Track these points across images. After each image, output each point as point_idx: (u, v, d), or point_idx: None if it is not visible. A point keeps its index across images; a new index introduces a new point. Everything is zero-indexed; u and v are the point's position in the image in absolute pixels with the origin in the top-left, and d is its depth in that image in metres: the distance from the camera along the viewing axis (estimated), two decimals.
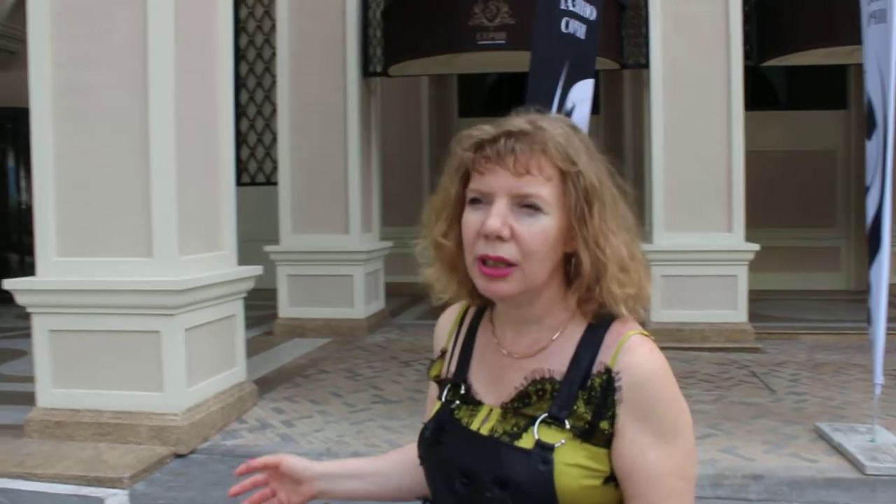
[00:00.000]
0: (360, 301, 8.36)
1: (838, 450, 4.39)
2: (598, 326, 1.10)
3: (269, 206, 8.67)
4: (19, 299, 4.71)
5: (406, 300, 10.50)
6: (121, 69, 4.64)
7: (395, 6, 7.81)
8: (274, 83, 8.67)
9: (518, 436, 1.07)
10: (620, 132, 11.22)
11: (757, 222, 8.30)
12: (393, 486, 1.34)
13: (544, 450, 1.04)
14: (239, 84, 12.51)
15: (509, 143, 1.05)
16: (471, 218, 1.08)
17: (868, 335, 4.67)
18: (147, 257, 4.63)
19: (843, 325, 8.19)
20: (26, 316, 4.81)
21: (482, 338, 1.21)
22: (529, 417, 1.08)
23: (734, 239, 7.35)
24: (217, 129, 5.22)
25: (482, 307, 1.24)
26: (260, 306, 8.23)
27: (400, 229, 11.22)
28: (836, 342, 7.63)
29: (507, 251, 1.05)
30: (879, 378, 4.45)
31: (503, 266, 1.06)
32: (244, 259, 5.64)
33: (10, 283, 4.71)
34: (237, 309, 5.41)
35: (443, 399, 1.20)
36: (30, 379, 4.84)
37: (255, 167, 12.62)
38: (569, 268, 1.11)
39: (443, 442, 1.15)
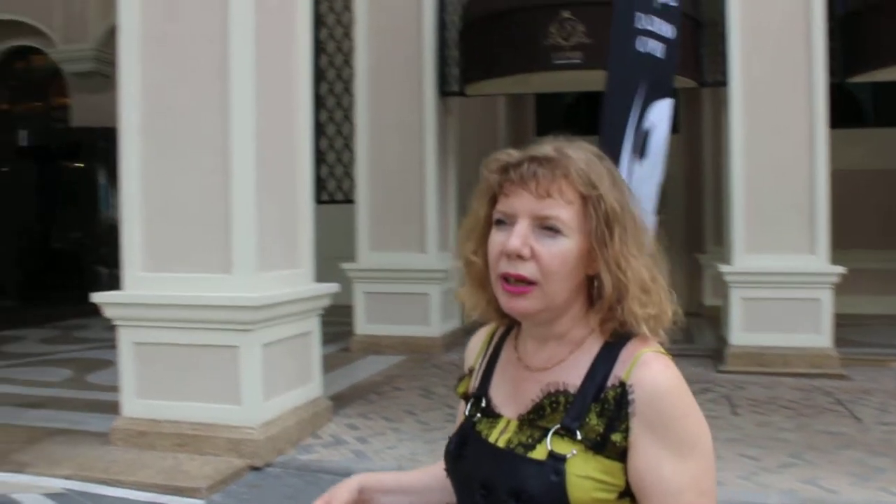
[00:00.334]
0: (436, 319, 8.40)
1: None
2: (616, 343, 1.13)
3: (348, 224, 8.80)
4: (106, 312, 4.91)
5: (474, 322, 10.49)
6: (203, 92, 4.81)
7: (471, 26, 7.87)
8: (353, 102, 8.82)
9: (532, 447, 1.10)
10: (700, 151, 11.04)
11: (842, 244, 8.02)
12: (431, 500, 1.38)
13: (556, 461, 1.07)
14: (319, 103, 12.78)
15: (532, 168, 1.11)
16: (496, 238, 1.14)
17: None
18: (226, 274, 4.76)
19: None
20: (113, 328, 5.00)
21: (505, 354, 1.25)
22: (543, 429, 1.11)
23: (817, 261, 7.12)
24: (296, 148, 5.35)
25: (510, 327, 1.27)
26: (337, 323, 8.36)
27: None
28: None
29: (527, 270, 1.09)
30: None
31: (524, 284, 1.10)
32: (322, 276, 5.75)
33: (98, 297, 4.91)
34: (314, 325, 5.50)
35: (467, 413, 1.25)
36: (116, 388, 5.02)
37: (333, 185, 12.85)
38: (592, 289, 1.14)
39: (465, 455, 1.19)
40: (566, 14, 6.78)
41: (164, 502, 4.02)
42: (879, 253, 10.48)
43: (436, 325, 8.38)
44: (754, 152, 7.16)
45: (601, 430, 1.07)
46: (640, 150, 4.92)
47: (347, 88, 11.81)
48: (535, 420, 1.13)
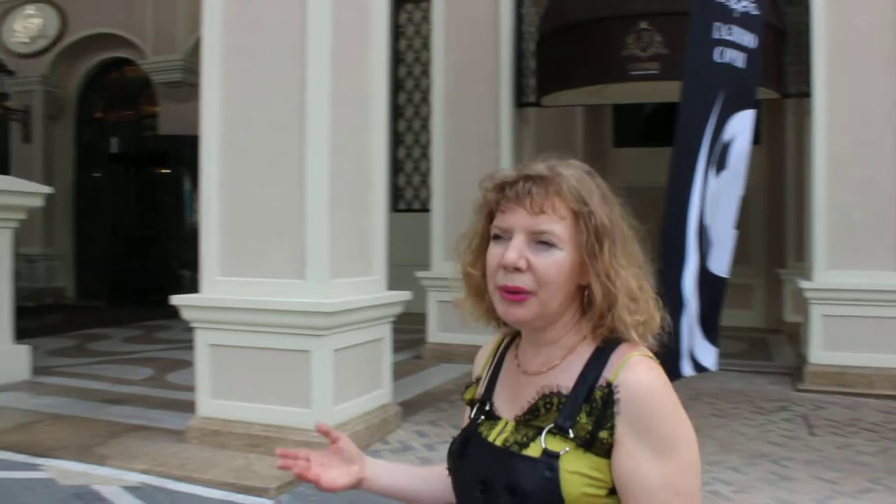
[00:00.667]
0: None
1: None
2: (606, 348, 1.21)
3: (425, 233, 8.86)
4: (184, 314, 5.07)
5: None
6: (280, 103, 4.94)
7: (548, 37, 7.86)
8: (431, 112, 8.91)
9: (526, 445, 1.18)
10: (782, 164, 10.74)
11: None
12: (429, 492, 1.45)
13: (550, 458, 1.14)
14: (397, 113, 12.96)
15: (527, 186, 1.19)
16: (493, 251, 1.22)
17: None
18: (300, 279, 4.86)
19: None
20: (192, 329, 5.16)
21: (507, 362, 1.34)
22: (538, 428, 1.19)
23: None
24: (370, 158, 5.43)
25: (513, 338, 1.35)
26: (410, 331, 8.43)
27: None
28: None
29: (523, 281, 1.18)
30: None
31: (521, 294, 1.18)
32: (398, 284, 5.82)
33: (176, 299, 5.07)
34: (385, 332, 5.57)
35: (471, 417, 1.33)
36: (192, 388, 5.17)
37: (411, 194, 12.98)
38: (584, 298, 1.22)
39: (467, 454, 1.28)
40: (644, 25, 6.71)
41: (235, 500, 4.13)
42: None
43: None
44: (838, 165, 6.94)
45: (590, 428, 1.14)
46: (719, 162, 4.83)
47: (425, 98, 11.92)
48: (530, 420, 1.21)
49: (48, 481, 4.40)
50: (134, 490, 4.26)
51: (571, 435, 1.15)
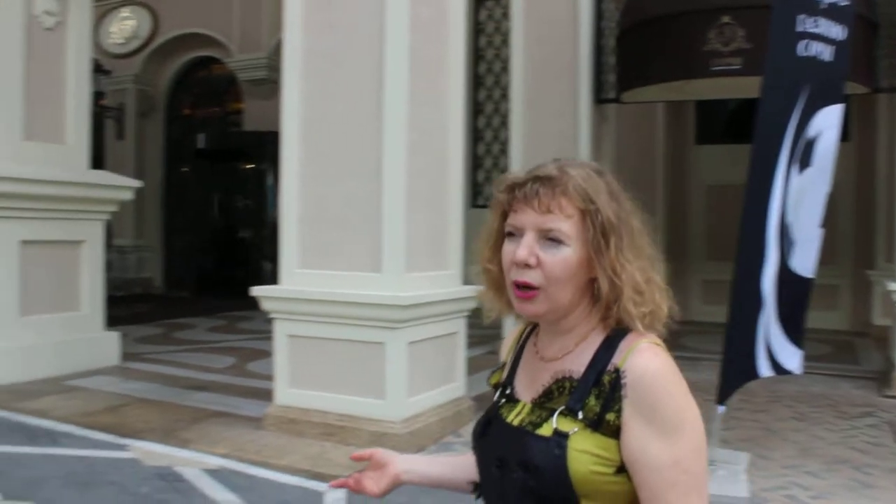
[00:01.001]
0: None
1: None
2: (616, 336, 1.28)
3: None
4: (264, 305, 5.21)
5: None
6: (358, 100, 5.02)
7: (628, 33, 7.76)
8: (510, 109, 8.90)
9: (539, 425, 1.26)
10: (872, 161, 10.35)
11: None
12: (463, 476, 1.53)
13: (560, 437, 1.22)
14: (477, 109, 12.98)
15: (535, 187, 1.26)
16: (507, 248, 1.30)
17: None
18: (376, 273, 4.94)
19: None
20: (272, 320, 5.30)
21: (528, 348, 1.42)
22: (551, 410, 1.27)
23: None
24: (447, 154, 5.48)
25: (534, 326, 1.44)
26: (486, 326, 8.43)
27: None
28: None
29: (533, 277, 1.26)
30: None
31: (531, 290, 1.26)
32: (475, 279, 5.82)
33: (256, 290, 5.22)
34: (460, 326, 5.61)
35: (495, 400, 1.42)
36: (271, 377, 5.32)
37: (490, 190, 12.99)
38: (595, 289, 1.28)
39: (488, 434, 1.36)
40: (726, 19, 6.56)
41: (308, 486, 4.23)
42: None
43: None
44: None
45: (598, 410, 1.22)
46: (803, 159, 4.70)
47: (505, 95, 11.91)
48: (544, 402, 1.29)
49: (134, 461, 4.60)
50: (213, 473, 4.41)
51: (580, 416, 1.22)
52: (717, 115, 11.77)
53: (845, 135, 7.24)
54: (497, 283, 1.37)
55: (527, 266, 1.25)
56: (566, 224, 1.24)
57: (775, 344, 4.56)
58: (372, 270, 4.95)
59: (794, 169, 4.63)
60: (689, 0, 6.92)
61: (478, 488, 1.45)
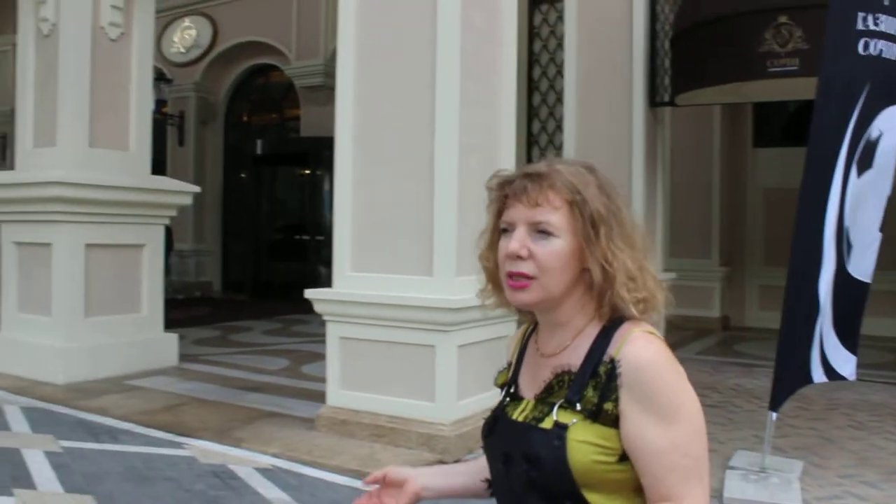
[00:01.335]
0: None
1: None
2: (610, 327, 1.31)
3: None
4: (317, 307, 5.29)
5: (689, 334, 10.23)
6: (410, 103, 5.07)
7: (683, 35, 7.68)
8: (564, 114, 8.88)
9: (542, 419, 1.30)
10: None
11: None
12: (481, 478, 1.54)
13: (560, 429, 1.26)
14: (532, 114, 12.95)
15: (524, 182, 1.32)
16: (502, 244, 1.35)
17: None
18: (428, 276, 4.97)
19: None
20: (325, 323, 5.37)
21: (530, 346, 1.46)
22: (552, 404, 1.31)
23: None
24: (498, 157, 5.48)
25: (536, 326, 1.46)
26: None
27: (686, 261, 10.99)
28: None
29: (526, 267, 1.30)
30: None
31: (524, 279, 1.31)
32: None
33: (310, 293, 5.30)
34: (510, 330, 5.60)
35: (501, 398, 1.45)
36: (324, 379, 5.39)
37: None
38: (589, 280, 1.32)
39: (494, 432, 1.41)
40: (783, 19, 6.45)
41: (358, 486, 4.27)
42: None
43: None
44: None
45: (595, 400, 1.25)
46: (863, 160, 4.60)
47: (559, 99, 11.86)
48: (546, 398, 1.33)
49: (190, 459, 4.71)
50: (265, 472, 4.49)
51: (579, 408, 1.26)
52: (776, 118, 11.57)
53: None
54: (495, 278, 1.41)
55: (519, 258, 1.30)
56: (555, 216, 1.29)
57: (829, 349, 4.47)
58: (423, 273, 4.99)
59: (854, 171, 4.53)
60: (745, 0, 6.82)
61: (491, 486, 1.48)
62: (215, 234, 15.91)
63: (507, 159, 5.59)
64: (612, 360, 1.26)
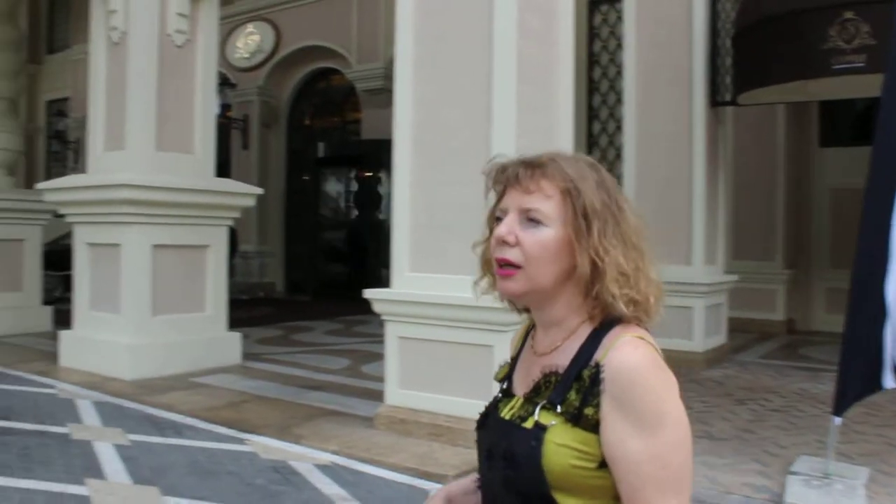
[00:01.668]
0: (699, 334, 8.14)
1: None
2: (602, 330, 1.28)
3: None
4: (376, 307, 5.36)
5: (753, 337, 10.05)
6: (467, 107, 5.11)
7: (744, 33, 7.55)
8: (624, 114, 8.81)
9: (526, 418, 1.28)
10: None
11: None
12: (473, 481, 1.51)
13: (539, 429, 1.24)
14: (592, 115, 12.89)
15: (517, 169, 1.30)
16: (494, 231, 1.32)
17: None
18: (469, 276, 4.98)
19: None
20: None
21: (528, 343, 1.43)
22: (537, 404, 1.28)
23: None
24: None
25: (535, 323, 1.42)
26: None
27: (750, 263, 10.81)
28: None
29: (511, 254, 1.27)
30: None
31: (511, 268, 1.28)
32: None
33: (369, 293, 5.38)
34: None
35: (496, 394, 1.45)
36: (383, 379, 5.46)
37: None
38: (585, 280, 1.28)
39: (484, 428, 1.41)
40: (849, 14, 6.29)
41: (415, 484, 4.33)
42: None
43: (699, 340, 8.12)
44: None
45: (577, 404, 1.22)
46: None
47: (620, 100, 11.79)
48: (533, 397, 1.30)
49: (251, 454, 4.82)
50: (324, 468, 4.57)
51: (559, 410, 1.23)
52: (843, 117, 11.29)
53: None
54: (487, 262, 1.38)
55: (506, 243, 1.27)
56: (546, 205, 1.26)
57: None
58: (470, 274, 4.99)
59: None
60: None
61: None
62: (278, 236, 16.19)
63: None
64: (598, 365, 1.22)
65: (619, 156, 12.00)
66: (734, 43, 7.88)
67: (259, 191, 8.27)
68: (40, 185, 8.07)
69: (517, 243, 1.27)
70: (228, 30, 15.80)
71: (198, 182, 7.46)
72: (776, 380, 7.49)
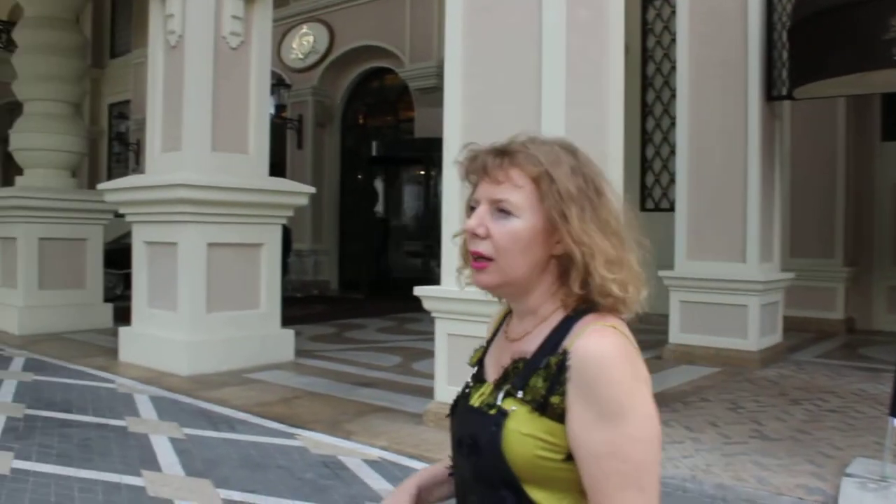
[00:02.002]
0: (754, 333, 7.99)
1: None
2: (573, 317, 1.24)
3: (670, 232, 8.61)
4: (425, 304, 5.40)
5: (810, 336, 9.84)
6: (516, 103, 5.10)
7: (801, 25, 7.37)
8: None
9: (493, 405, 1.24)
10: None
11: None
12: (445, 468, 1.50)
13: (500, 415, 1.21)
14: (645, 111, 12.75)
15: (485, 159, 1.26)
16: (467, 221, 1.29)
17: None
18: None
19: None
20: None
21: (502, 329, 1.40)
22: (503, 390, 1.25)
23: None
24: (606, 157, 5.40)
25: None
26: (652, 331, 8.31)
27: (809, 261, 10.58)
28: None
29: (482, 247, 1.24)
30: None
31: (483, 260, 1.25)
32: None
33: (418, 290, 5.42)
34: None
35: (468, 380, 1.41)
36: (433, 376, 5.50)
37: (658, 193, 12.72)
38: (567, 265, 1.24)
39: (454, 414, 1.39)
40: None
41: None
42: None
43: (753, 339, 7.97)
44: None
45: (544, 392, 1.18)
46: None
47: (674, 96, 11.63)
48: (501, 384, 1.27)
49: (302, 449, 4.90)
50: (373, 463, 4.62)
51: (520, 395, 1.20)
52: None
53: None
54: (466, 253, 1.34)
55: (478, 236, 1.24)
56: (515, 195, 1.22)
57: None
58: None
59: None
60: None
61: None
62: (332, 235, 16.36)
63: (615, 158, 5.53)
64: (565, 352, 1.18)
65: (672, 152, 11.87)
66: (790, 36, 7.71)
67: (311, 190, 8.37)
68: (101, 186, 8.30)
69: (488, 235, 1.23)
70: (283, 31, 16.02)
71: (252, 181, 7.58)
72: (833, 380, 7.32)
